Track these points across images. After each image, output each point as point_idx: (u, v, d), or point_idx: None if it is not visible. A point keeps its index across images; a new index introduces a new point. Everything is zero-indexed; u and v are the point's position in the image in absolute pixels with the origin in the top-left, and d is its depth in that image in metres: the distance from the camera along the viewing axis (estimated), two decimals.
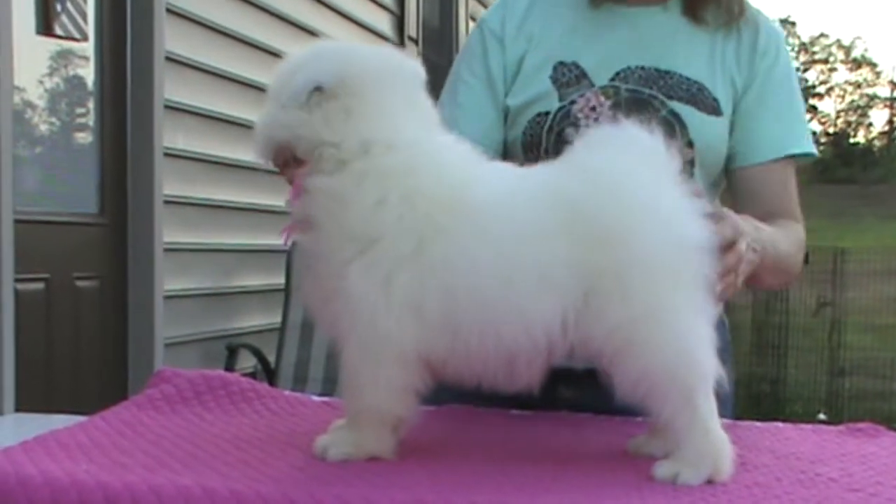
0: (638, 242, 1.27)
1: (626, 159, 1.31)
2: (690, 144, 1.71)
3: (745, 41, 1.78)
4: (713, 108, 1.74)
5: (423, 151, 1.34)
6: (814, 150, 1.81)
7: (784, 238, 1.68)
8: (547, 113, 1.74)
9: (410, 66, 1.41)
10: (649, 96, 1.72)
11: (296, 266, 5.01)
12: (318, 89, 1.32)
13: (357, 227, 1.28)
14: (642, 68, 1.74)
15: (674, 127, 1.70)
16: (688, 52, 1.76)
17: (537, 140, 1.73)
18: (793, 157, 1.79)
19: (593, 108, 1.72)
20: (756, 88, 1.77)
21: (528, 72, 1.78)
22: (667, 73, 1.74)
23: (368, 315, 1.28)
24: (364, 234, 1.28)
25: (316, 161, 1.32)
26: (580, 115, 1.72)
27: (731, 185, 1.79)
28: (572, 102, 1.73)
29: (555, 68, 1.76)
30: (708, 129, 1.72)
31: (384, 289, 1.27)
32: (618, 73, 1.74)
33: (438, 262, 1.27)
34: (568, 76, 1.75)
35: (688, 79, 1.74)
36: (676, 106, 1.72)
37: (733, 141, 1.77)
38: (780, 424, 1.70)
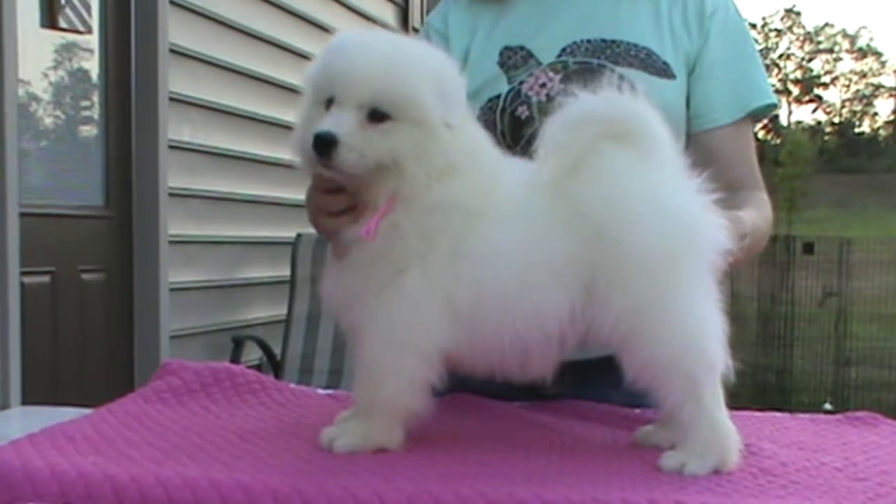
0: (632, 234, 1.28)
1: (628, 154, 1.31)
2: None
3: (691, 4, 1.77)
4: (664, 72, 1.73)
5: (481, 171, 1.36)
6: (774, 98, 1.79)
7: (760, 219, 1.68)
8: (498, 96, 1.75)
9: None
10: (598, 66, 1.72)
11: (301, 255, 5.01)
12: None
13: (415, 245, 1.32)
14: (588, 41, 1.74)
15: None
16: (632, 19, 1.76)
17: (492, 123, 1.74)
18: (753, 113, 1.78)
19: (543, 85, 1.73)
20: (710, 49, 1.76)
21: (474, 61, 1.80)
22: (613, 42, 1.74)
23: (411, 310, 1.30)
24: (420, 249, 1.31)
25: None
26: (531, 93, 1.73)
27: (695, 152, 1.72)
28: (521, 83, 1.74)
29: (501, 53, 1.77)
30: (660, 92, 1.68)
31: (431, 287, 1.30)
32: (564, 49, 1.75)
33: (470, 260, 1.30)
34: (514, 59, 1.76)
35: (635, 45, 1.73)
36: (626, 72, 1.69)
37: (693, 104, 1.76)
38: (777, 414, 1.70)
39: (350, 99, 1.30)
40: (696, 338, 1.28)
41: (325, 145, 1.28)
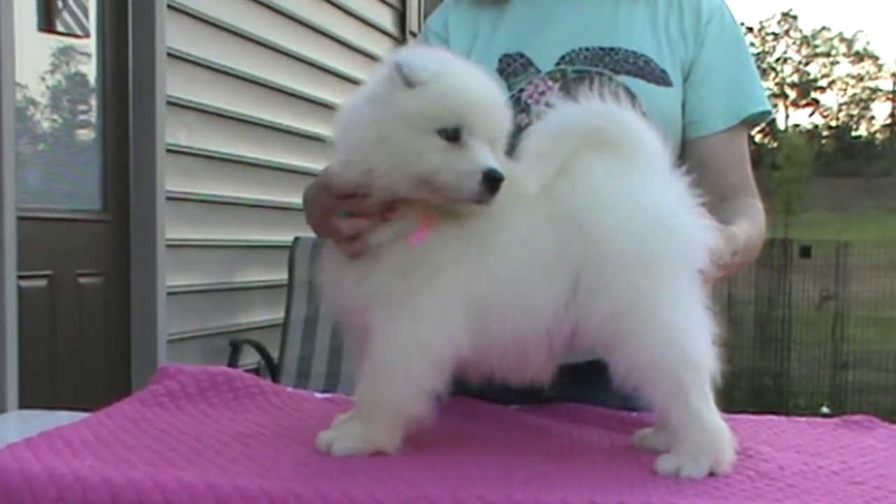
0: (611, 236, 1.29)
1: (609, 159, 1.32)
2: (643, 116, 1.71)
3: (687, 11, 1.78)
4: (662, 79, 1.73)
5: None
6: (769, 106, 1.80)
7: (754, 230, 1.68)
8: None
9: None
10: (596, 74, 1.71)
11: (299, 259, 5.00)
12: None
13: (454, 246, 1.33)
14: (587, 49, 1.75)
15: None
16: (630, 27, 1.76)
17: None
18: (747, 120, 1.78)
19: (542, 93, 1.73)
20: (705, 56, 1.76)
21: None
22: (611, 49, 1.74)
23: (440, 312, 1.30)
24: (457, 251, 1.33)
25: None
26: (530, 101, 1.73)
27: (689, 158, 1.68)
28: (521, 90, 1.75)
29: (500, 60, 1.77)
30: (659, 100, 1.71)
31: (461, 288, 1.31)
32: (563, 58, 1.75)
33: (485, 259, 1.31)
34: (514, 66, 1.76)
35: (633, 53, 1.74)
36: (625, 80, 1.71)
37: (687, 111, 1.76)
38: (774, 417, 1.70)
39: (485, 132, 1.33)
40: (678, 340, 1.28)
41: (497, 183, 1.30)
